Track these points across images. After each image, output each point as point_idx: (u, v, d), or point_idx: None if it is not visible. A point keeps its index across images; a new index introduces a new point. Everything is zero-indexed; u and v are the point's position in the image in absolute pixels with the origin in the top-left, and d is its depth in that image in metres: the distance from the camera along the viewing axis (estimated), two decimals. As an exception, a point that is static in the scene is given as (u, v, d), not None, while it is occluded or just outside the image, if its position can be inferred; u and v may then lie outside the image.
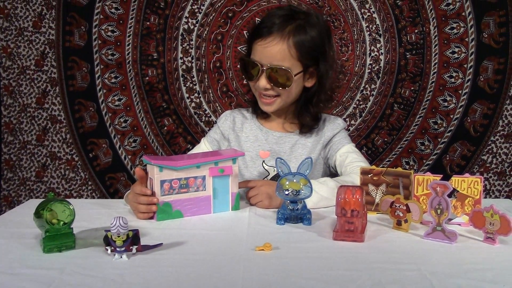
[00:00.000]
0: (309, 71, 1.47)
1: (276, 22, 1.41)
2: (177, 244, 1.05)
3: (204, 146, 1.60)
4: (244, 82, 2.33)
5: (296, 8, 1.53)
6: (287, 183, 1.17)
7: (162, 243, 1.04)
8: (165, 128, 2.39)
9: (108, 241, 0.97)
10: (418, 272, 0.91)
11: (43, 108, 2.37)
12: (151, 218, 1.25)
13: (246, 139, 1.57)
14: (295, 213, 1.19)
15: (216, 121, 1.66)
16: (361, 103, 2.34)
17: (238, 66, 1.73)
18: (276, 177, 1.45)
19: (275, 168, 1.50)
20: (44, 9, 2.30)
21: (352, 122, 2.35)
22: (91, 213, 1.27)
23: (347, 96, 2.34)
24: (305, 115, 1.54)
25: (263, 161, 1.53)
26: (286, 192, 1.16)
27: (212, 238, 1.11)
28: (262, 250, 1.01)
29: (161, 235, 1.12)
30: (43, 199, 1.07)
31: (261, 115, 1.60)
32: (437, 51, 2.28)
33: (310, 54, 1.44)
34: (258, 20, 1.66)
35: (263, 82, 1.44)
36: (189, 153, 1.61)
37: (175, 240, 1.07)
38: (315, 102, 1.52)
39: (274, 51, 1.40)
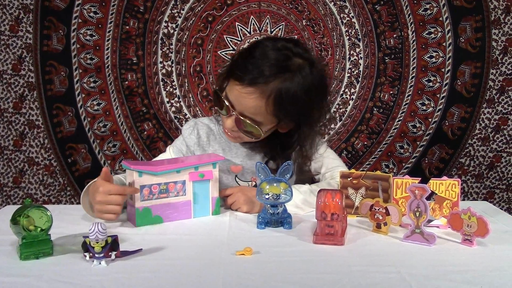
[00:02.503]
0: (285, 121, 1.36)
1: (262, 72, 1.25)
2: (157, 250, 1.04)
3: (169, 155, 1.52)
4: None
5: (294, 49, 1.30)
6: (267, 187, 1.17)
7: (141, 249, 1.03)
8: (145, 132, 2.37)
9: (86, 247, 0.96)
10: (398, 275, 0.91)
11: (20, 113, 2.34)
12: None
13: (214, 153, 1.49)
14: (275, 217, 1.19)
15: (181, 129, 1.57)
16: (341, 107, 2.36)
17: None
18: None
19: (249, 183, 1.48)
20: (21, 13, 2.27)
21: (332, 126, 2.36)
22: (69, 219, 1.26)
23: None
24: (276, 157, 1.44)
25: (236, 175, 1.49)
26: (267, 196, 1.16)
27: (193, 243, 1.10)
28: (243, 254, 1.01)
29: (140, 240, 1.11)
30: (20, 205, 1.05)
31: None
32: (415, 56, 2.31)
33: (290, 113, 1.31)
34: (242, 49, 1.38)
35: (230, 124, 1.35)
36: (153, 159, 1.55)
37: (155, 245, 1.06)
38: (288, 154, 1.43)
39: (250, 104, 1.28)
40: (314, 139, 1.45)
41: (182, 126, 2.30)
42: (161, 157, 1.54)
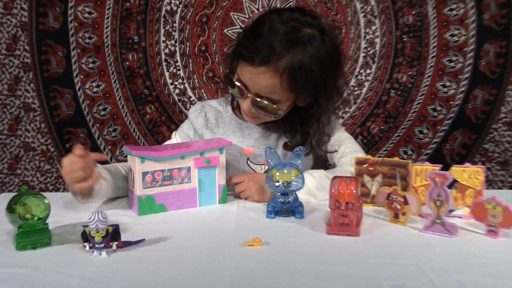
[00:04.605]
0: (302, 96, 1.38)
1: (272, 50, 1.26)
2: (160, 240, 1.05)
3: (175, 141, 1.53)
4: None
5: (301, 19, 1.31)
6: (278, 174, 1.16)
7: (144, 239, 1.03)
8: (147, 116, 2.37)
9: (86, 237, 0.96)
10: (417, 268, 0.91)
11: (15, 96, 2.34)
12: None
13: (223, 136, 1.49)
14: (286, 206, 1.19)
15: (187, 113, 1.59)
16: (355, 89, 2.34)
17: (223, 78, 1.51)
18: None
19: (261, 166, 1.48)
20: (16, -11, 2.27)
21: (347, 109, 2.35)
22: (68, 207, 1.26)
23: (340, 81, 2.33)
24: (295, 133, 1.46)
25: (248, 158, 1.49)
26: (277, 184, 1.16)
27: (198, 233, 1.10)
28: (251, 245, 1.01)
29: (143, 230, 1.11)
30: (16, 193, 1.06)
31: (238, 107, 1.50)
32: (435, 34, 2.29)
33: (306, 86, 1.33)
34: (247, 26, 1.39)
35: (247, 106, 1.37)
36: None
37: (158, 235, 1.07)
38: (307, 129, 1.44)
39: (264, 84, 1.30)
40: (331, 113, 1.46)
41: (186, 109, 2.31)
42: (167, 143, 1.55)
